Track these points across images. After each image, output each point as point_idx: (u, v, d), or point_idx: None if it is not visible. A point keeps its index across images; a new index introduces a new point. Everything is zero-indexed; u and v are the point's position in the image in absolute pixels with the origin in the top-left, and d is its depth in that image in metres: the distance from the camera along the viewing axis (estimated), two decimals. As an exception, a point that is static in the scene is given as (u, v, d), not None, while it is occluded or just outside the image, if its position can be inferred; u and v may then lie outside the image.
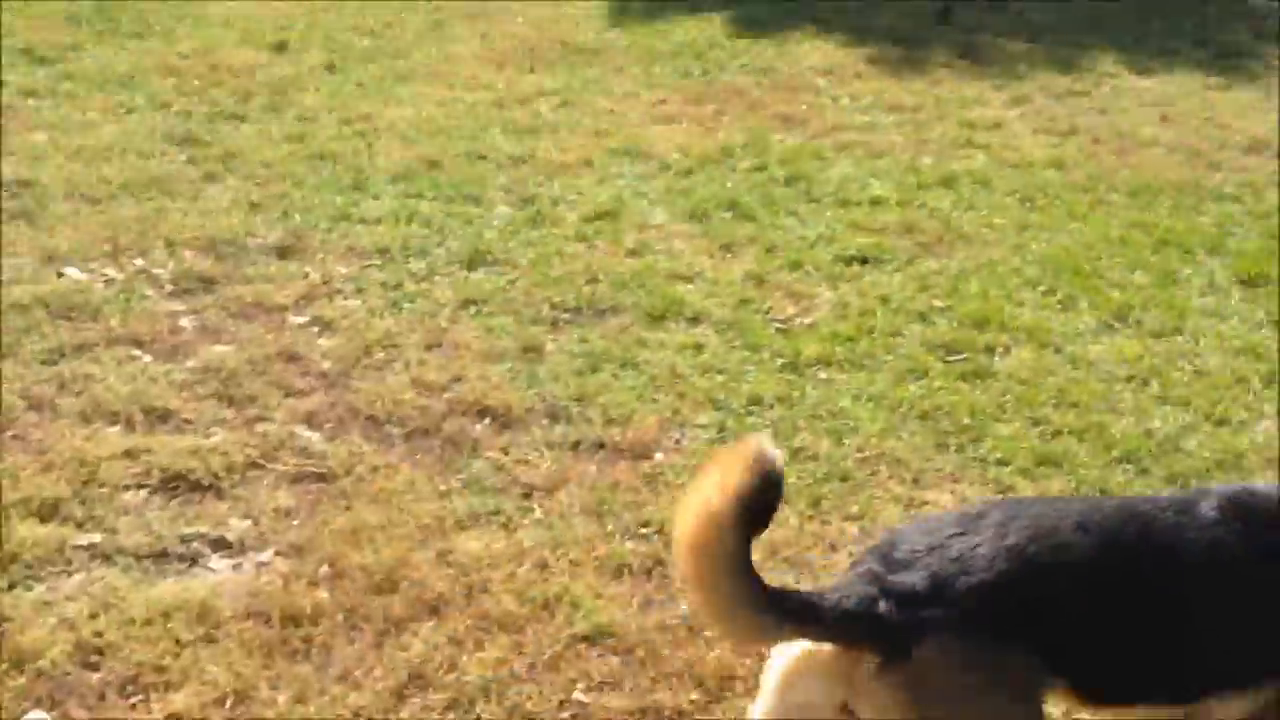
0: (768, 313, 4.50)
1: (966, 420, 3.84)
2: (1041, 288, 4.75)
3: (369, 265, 4.73)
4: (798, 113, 6.67)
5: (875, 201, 5.51)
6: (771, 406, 3.92)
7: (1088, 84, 7.40)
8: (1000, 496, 3.37)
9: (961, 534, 1.94)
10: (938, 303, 4.60)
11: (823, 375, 4.10)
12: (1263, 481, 2.62)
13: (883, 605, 1.86)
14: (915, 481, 3.57)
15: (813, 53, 7.73)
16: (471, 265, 4.75)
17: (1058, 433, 3.80)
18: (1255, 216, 5.48)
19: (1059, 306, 4.62)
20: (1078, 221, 5.39)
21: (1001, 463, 3.65)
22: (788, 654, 1.98)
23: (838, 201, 5.50)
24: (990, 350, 4.27)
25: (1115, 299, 4.65)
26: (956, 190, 5.69)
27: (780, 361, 4.17)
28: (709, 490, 1.83)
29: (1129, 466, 3.64)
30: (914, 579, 1.88)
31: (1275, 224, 5.37)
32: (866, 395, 3.98)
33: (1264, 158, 6.27)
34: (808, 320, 4.45)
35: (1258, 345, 4.31)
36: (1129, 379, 4.13)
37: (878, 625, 1.85)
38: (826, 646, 1.92)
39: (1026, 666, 1.92)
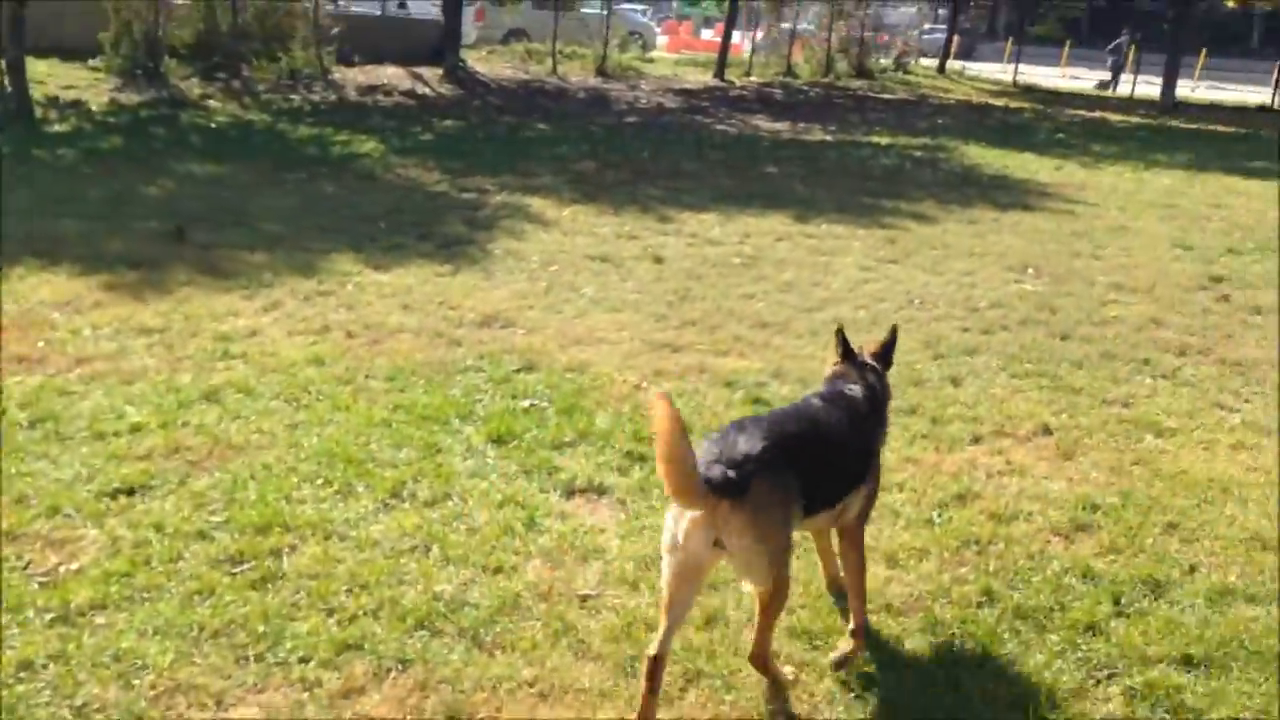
0: (26, 568, 4.06)
1: (262, 628, 3.75)
2: (319, 481, 4.83)
3: None
4: (34, 351, 6.20)
5: (135, 428, 5.26)
6: (45, 667, 3.52)
7: (332, 284, 7.79)
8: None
9: (743, 432, 3.41)
10: (216, 517, 4.47)
11: (100, 620, 3.78)
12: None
13: (731, 473, 3.24)
14: (218, 703, 3.41)
15: (41, 287, 7.27)
16: None
17: (354, 617, 3.85)
18: (496, 382, 6.08)
19: (338, 496, 4.72)
20: (343, 412, 5.59)
21: (304, 660, 3.61)
22: (677, 523, 3.29)
23: (93, 435, 5.17)
24: (277, 553, 4.24)
25: (389, 478, 4.87)
26: (221, 403, 5.63)
27: (49, 617, 3.77)
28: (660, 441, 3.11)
29: (424, 632, 3.80)
30: (734, 455, 3.30)
31: (514, 387, 6.01)
32: (153, 628, 3.73)
33: (495, 330, 7.03)
34: (74, 566, 4.08)
35: (516, 495, 4.76)
36: (412, 550, 4.32)
37: (728, 482, 3.23)
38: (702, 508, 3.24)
39: (796, 490, 3.43)
